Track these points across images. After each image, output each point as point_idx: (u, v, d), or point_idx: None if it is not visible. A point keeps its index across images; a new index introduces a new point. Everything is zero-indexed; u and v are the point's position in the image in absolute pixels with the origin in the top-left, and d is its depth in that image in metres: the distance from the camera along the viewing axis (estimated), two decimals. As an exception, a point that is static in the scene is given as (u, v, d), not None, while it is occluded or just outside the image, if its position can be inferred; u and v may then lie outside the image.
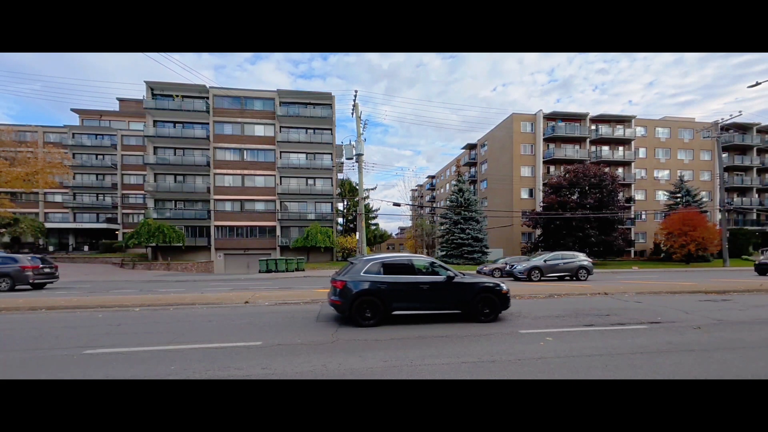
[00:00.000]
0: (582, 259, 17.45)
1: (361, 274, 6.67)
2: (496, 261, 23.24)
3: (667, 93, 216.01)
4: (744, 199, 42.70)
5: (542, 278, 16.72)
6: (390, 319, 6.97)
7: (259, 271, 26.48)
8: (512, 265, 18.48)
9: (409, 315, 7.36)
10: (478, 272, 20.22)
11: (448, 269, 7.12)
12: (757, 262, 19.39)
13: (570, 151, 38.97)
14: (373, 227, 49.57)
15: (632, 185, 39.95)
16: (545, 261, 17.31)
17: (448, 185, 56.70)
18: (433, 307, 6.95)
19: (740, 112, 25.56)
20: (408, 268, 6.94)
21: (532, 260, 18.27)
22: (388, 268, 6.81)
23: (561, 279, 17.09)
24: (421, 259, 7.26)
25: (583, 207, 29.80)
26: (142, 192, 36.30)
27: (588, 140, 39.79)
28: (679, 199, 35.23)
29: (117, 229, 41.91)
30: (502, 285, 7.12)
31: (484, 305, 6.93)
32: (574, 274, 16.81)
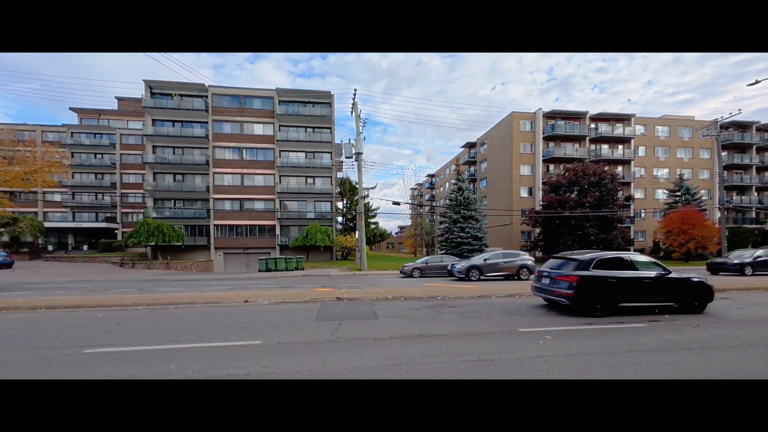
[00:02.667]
0: (524, 258, 16.98)
1: (590, 269, 7.32)
2: (416, 261, 21.69)
3: (666, 91, 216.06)
4: (743, 197, 42.73)
5: (481, 277, 16.19)
6: (616, 311, 7.49)
7: (259, 270, 26.47)
8: (452, 265, 17.92)
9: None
10: (401, 271, 19.89)
11: (660, 265, 7.84)
12: (709, 262, 18.96)
13: (569, 150, 38.95)
14: (373, 226, 49.57)
15: (632, 184, 39.95)
16: (485, 260, 16.77)
17: (447, 184, 56.69)
18: (653, 300, 7.66)
19: (740, 110, 25.55)
20: (628, 264, 7.60)
21: (472, 259, 17.72)
22: (611, 263, 7.50)
23: (506, 278, 16.52)
24: (639, 257, 7.97)
25: (583, 206, 29.80)
26: (142, 191, 36.23)
27: (587, 139, 39.76)
28: (678, 198, 35.25)
29: (116, 229, 41.84)
30: (707, 280, 7.86)
31: (695, 298, 7.68)
32: (516, 273, 16.37)
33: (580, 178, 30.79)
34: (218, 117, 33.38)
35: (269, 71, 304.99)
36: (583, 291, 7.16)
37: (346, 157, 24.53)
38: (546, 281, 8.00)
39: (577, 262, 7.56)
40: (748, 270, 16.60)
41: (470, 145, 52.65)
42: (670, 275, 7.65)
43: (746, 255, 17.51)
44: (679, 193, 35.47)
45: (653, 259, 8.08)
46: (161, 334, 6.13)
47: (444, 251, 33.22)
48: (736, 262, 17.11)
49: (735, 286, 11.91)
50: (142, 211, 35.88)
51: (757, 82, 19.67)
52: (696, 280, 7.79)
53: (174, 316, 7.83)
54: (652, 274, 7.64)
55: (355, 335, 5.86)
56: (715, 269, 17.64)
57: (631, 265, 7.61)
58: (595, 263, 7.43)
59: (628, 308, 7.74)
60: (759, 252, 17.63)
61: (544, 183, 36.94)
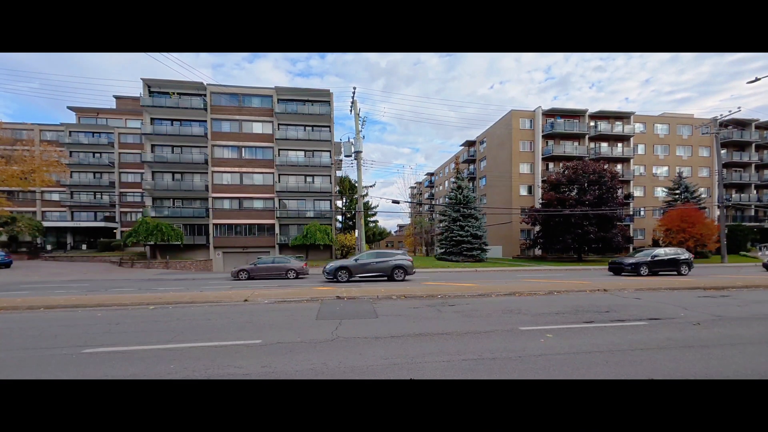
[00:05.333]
0: (399, 258, 16.01)
1: None
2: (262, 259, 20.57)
3: (664, 90, 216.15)
4: (742, 195, 42.81)
5: (350, 279, 15.21)
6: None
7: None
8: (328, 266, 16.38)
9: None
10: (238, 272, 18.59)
11: None
12: (610, 261, 18.48)
13: (569, 148, 38.95)
14: (372, 225, 49.54)
15: (631, 182, 39.98)
16: (356, 260, 15.82)
17: (447, 182, 56.67)
18: None
19: (739, 108, 25.56)
20: None
21: (344, 260, 16.65)
22: None
23: (376, 279, 15.62)
24: None
25: (582, 204, 29.81)
26: (140, 190, 36.14)
27: (587, 137, 39.75)
28: (677, 196, 35.29)
29: (115, 228, 41.77)
30: None
31: None
32: (389, 274, 15.42)
33: (579, 176, 30.80)
34: (217, 115, 33.27)
35: (268, 70, 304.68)
36: None
37: (346, 156, 24.46)
38: None
39: None
40: (644, 270, 16.20)
41: (469, 144, 52.63)
42: None
43: (647, 254, 17.10)
44: (678, 191, 35.53)
45: None
46: (161, 333, 6.10)
47: (443, 250, 33.26)
48: (631, 261, 16.74)
49: (735, 284, 11.94)
50: (140, 210, 35.78)
51: (757, 79, 19.66)
52: None
53: (173, 315, 7.80)
54: None
55: (355, 334, 5.84)
56: (616, 269, 17.27)
57: None
58: None
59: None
60: (657, 251, 17.32)
61: (543, 181, 36.96)
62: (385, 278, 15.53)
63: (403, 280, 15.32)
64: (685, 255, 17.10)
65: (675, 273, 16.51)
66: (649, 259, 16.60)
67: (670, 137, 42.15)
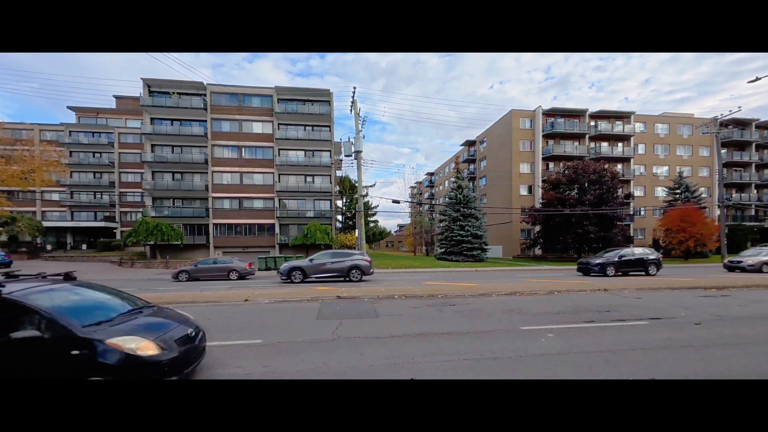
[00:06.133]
0: (356, 258, 15.54)
1: None
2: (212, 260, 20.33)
3: (663, 90, 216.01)
4: (743, 195, 42.79)
5: (305, 280, 14.82)
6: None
7: (258, 269, 26.41)
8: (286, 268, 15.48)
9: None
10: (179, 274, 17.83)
11: None
12: (578, 261, 18.15)
13: (569, 148, 38.91)
14: (372, 224, 49.58)
15: (631, 181, 39.95)
16: (311, 260, 15.37)
17: (447, 182, 56.65)
18: None
19: (739, 107, 25.52)
20: None
21: (299, 261, 15.99)
22: None
23: (332, 280, 15.10)
24: None
25: (583, 203, 29.77)
26: (140, 190, 36.11)
27: (587, 136, 39.71)
28: (678, 195, 35.25)
29: (115, 228, 41.76)
30: None
31: None
32: (346, 274, 14.92)
33: (579, 176, 30.77)
34: (217, 115, 33.25)
35: (268, 70, 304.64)
36: None
37: (346, 156, 24.43)
38: None
39: None
40: (611, 270, 15.99)
41: (469, 143, 52.60)
42: None
43: (614, 254, 16.84)
44: (678, 191, 35.50)
45: None
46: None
47: (443, 249, 33.25)
48: (598, 262, 16.53)
49: (735, 283, 11.93)
50: (140, 210, 35.77)
51: (757, 78, 19.64)
52: None
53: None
54: None
55: (356, 334, 5.83)
56: (584, 270, 17.02)
57: None
58: None
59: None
60: (625, 251, 17.17)
61: (543, 181, 36.91)
62: (342, 279, 15.04)
63: (360, 281, 14.85)
64: (653, 255, 16.95)
65: (643, 273, 16.33)
66: (616, 259, 16.41)
67: (671, 137, 42.12)
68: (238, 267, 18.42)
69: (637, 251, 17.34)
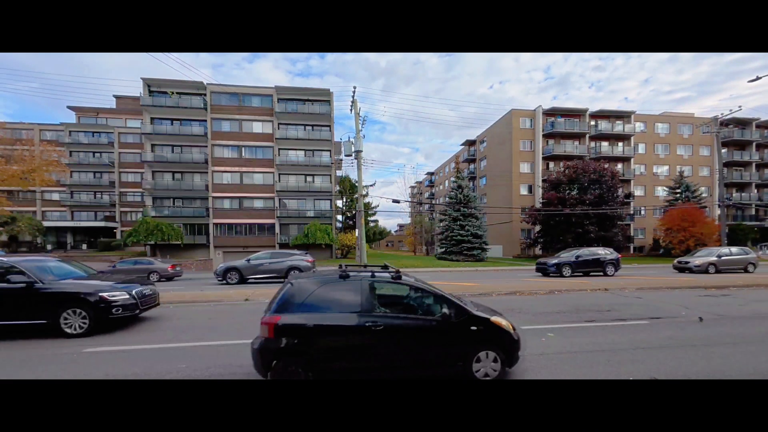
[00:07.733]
0: (296, 258, 15.23)
1: None
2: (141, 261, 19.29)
3: (663, 90, 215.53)
4: (743, 194, 42.73)
5: (242, 281, 14.49)
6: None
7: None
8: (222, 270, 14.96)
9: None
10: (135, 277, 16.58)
11: None
12: (537, 262, 17.87)
13: (569, 147, 38.88)
14: (372, 224, 49.58)
15: (631, 181, 39.92)
16: (248, 261, 15.05)
17: (447, 182, 56.63)
18: None
19: (740, 107, 25.47)
20: None
21: (235, 261, 15.45)
22: None
23: (271, 281, 14.63)
24: None
25: (583, 203, 29.76)
26: (140, 190, 36.10)
27: (587, 136, 39.69)
28: (678, 195, 35.24)
29: (115, 227, 41.75)
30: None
31: None
32: (284, 275, 14.48)
33: (580, 176, 30.75)
34: (217, 115, 33.24)
35: (268, 70, 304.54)
36: None
37: (346, 155, 24.37)
38: None
39: None
40: (567, 270, 15.78)
41: (470, 143, 52.57)
42: None
43: (572, 254, 16.63)
44: (678, 191, 35.48)
45: None
46: (162, 332, 6.10)
47: (443, 249, 33.25)
48: (554, 262, 16.26)
49: (736, 282, 11.93)
50: (141, 209, 35.77)
51: (757, 78, 19.61)
52: None
53: (175, 314, 7.80)
54: None
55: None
56: (543, 270, 16.64)
57: None
58: None
59: None
60: (582, 251, 16.93)
61: (544, 180, 36.90)
62: (282, 280, 14.08)
63: None
64: (611, 255, 16.69)
65: (601, 273, 16.16)
66: (573, 259, 16.22)
67: (671, 136, 42.09)
68: (159, 268, 17.55)
69: (595, 251, 17.09)
